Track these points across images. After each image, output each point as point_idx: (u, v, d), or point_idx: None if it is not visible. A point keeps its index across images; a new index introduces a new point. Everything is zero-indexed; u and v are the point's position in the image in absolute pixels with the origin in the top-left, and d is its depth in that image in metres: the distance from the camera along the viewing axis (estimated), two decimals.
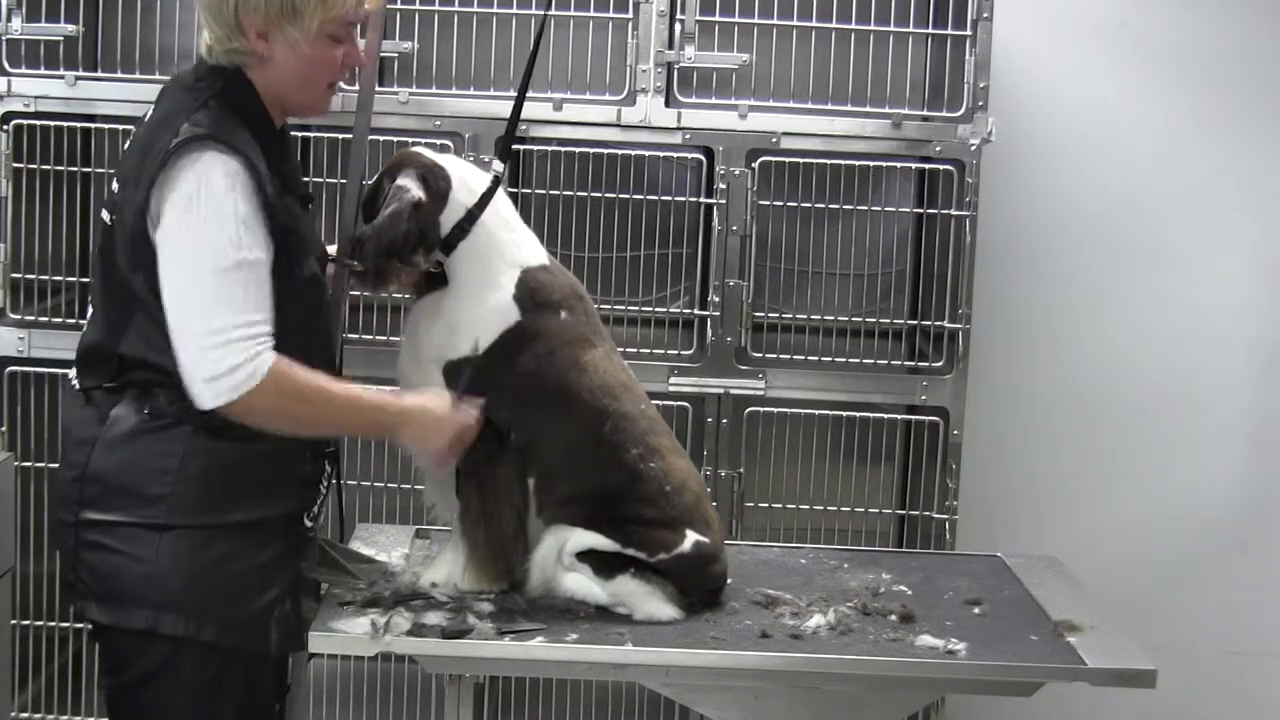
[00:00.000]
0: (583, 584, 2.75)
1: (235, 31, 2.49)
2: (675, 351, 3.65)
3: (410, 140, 3.38)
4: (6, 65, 3.53)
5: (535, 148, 3.62)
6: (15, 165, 3.53)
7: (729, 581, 2.87)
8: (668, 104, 3.57)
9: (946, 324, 3.64)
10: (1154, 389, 4.19)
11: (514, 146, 3.01)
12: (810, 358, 3.65)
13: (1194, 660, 4.18)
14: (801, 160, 3.65)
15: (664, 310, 3.88)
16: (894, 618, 2.79)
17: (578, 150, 3.60)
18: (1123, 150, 4.14)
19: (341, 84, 2.66)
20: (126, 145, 2.59)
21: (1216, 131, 4.14)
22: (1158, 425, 4.20)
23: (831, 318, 3.73)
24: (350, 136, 2.85)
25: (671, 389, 3.60)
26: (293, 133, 3.05)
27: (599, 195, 3.63)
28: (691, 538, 2.76)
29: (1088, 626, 2.78)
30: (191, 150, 2.39)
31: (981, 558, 3.24)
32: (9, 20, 3.49)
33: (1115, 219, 4.16)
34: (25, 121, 3.53)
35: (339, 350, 2.81)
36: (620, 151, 3.59)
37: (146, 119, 2.54)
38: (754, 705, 2.66)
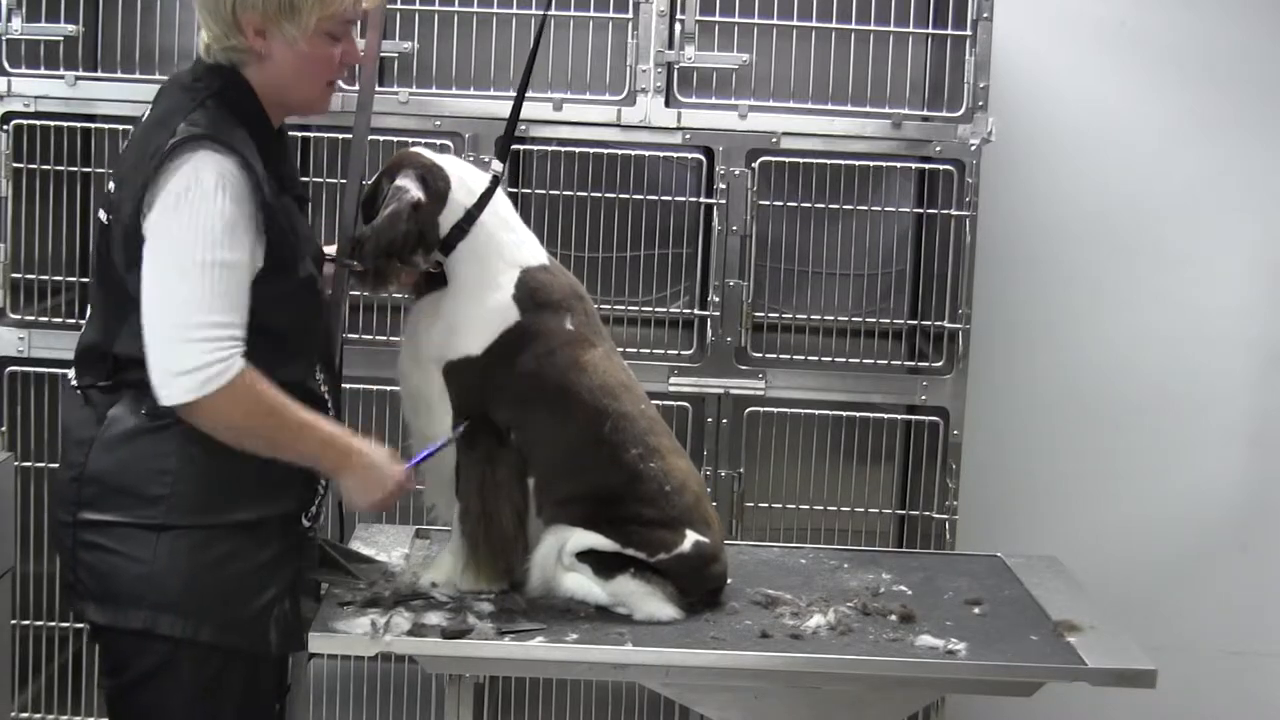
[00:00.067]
0: (583, 584, 2.75)
1: (233, 29, 2.49)
2: (675, 351, 3.65)
3: (410, 140, 3.38)
4: (6, 65, 3.53)
5: (535, 148, 3.62)
6: (15, 165, 3.53)
7: (729, 581, 2.87)
8: (668, 104, 3.58)
9: (946, 324, 3.64)
10: (1154, 389, 4.19)
11: (514, 146, 3.02)
12: (810, 358, 3.65)
13: (1194, 660, 4.18)
14: (801, 160, 3.65)
15: (664, 310, 3.88)
16: (894, 618, 2.79)
17: (578, 150, 3.60)
18: (1123, 150, 4.14)
19: (341, 84, 2.66)
20: (124, 145, 2.59)
21: (1216, 131, 4.14)
22: (1158, 425, 4.20)
23: (831, 318, 3.73)
24: (350, 136, 2.86)
25: (671, 389, 3.60)
26: (292, 133, 3.06)
27: (599, 195, 3.63)
28: (691, 538, 2.76)
29: (1088, 626, 2.78)
30: (186, 150, 2.39)
31: (981, 558, 3.24)
32: (9, 20, 3.49)
33: (1115, 219, 4.16)
34: (25, 121, 3.53)
35: (339, 350, 2.81)
36: (620, 151, 3.59)
37: (144, 119, 2.54)
38: (754, 705, 2.66)
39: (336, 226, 2.91)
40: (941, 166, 3.63)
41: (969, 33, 3.56)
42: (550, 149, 3.61)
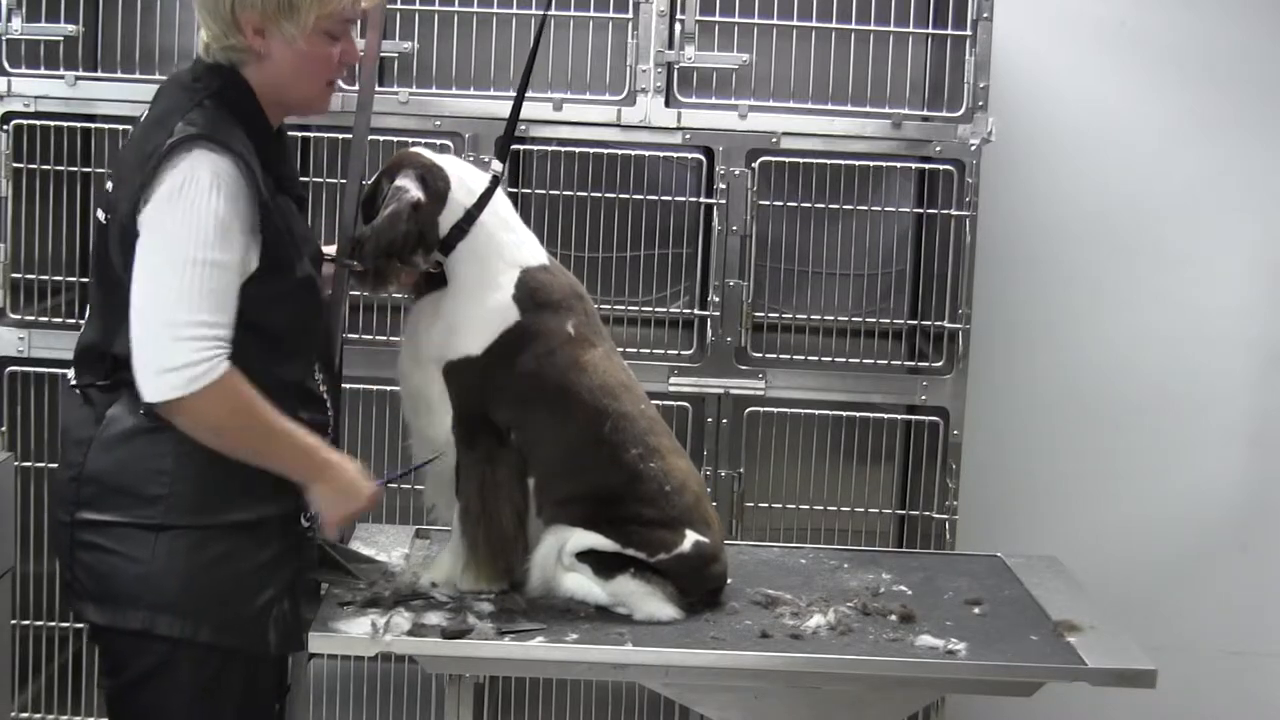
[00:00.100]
0: (583, 584, 2.75)
1: (232, 28, 2.49)
2: (675, 351, 3.65)
3: (410, 140, 3.38)
4: (6, 65, 3.53)
5: (535, 148, 3.62)
6: (15, 165, 3.53)
7: (729, 581, 2.87)
8: (668, 104, 3.57)
9: (946, 324, 3.64)
10: (1154, 389, 4.19)
11: (514, 146, 3.01)
12: (810, 358, 3.65)
13: (1194, 660, 4.18)
14: (801, 160, 3.65)
15: (664, 310, 3.88)
16: (894, 618, 2.79)
17: (578, 150, 3.60)
18: (1123, 150, 4.14)
19: (341, 84, 2.66)
20: (123, 144, 2.59)
21: (1216, 131, 4.14)
22: (1158, 425, 4.20)
23: (831, 318, 3.73)
24: (350, 136, 2.85)
25: (671, 389, 3.60)
26: (292, 133, 3.06)
27: (599, 195, 3.63)
28: (691, 538, 2.76)
29: (1088, 626, 2.78)
30: (183, 149, 2.39)
31: (981, 558, 3.24)
32: (9, 20, 3.49)
33: (1115, 219, 4.16)
34: (25, 121, 3.53)
35: (339, 350, 2.81)
36: (620, 151, 3.59)
37: (143, 118, 2.54)
38: (754, 705, 2.66)
39: (336, 226, 2.91)
40: (941, 166, 3.63)
41: (969, 33, 3.56)
42: (550, 149, 3.61)
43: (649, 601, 2.73)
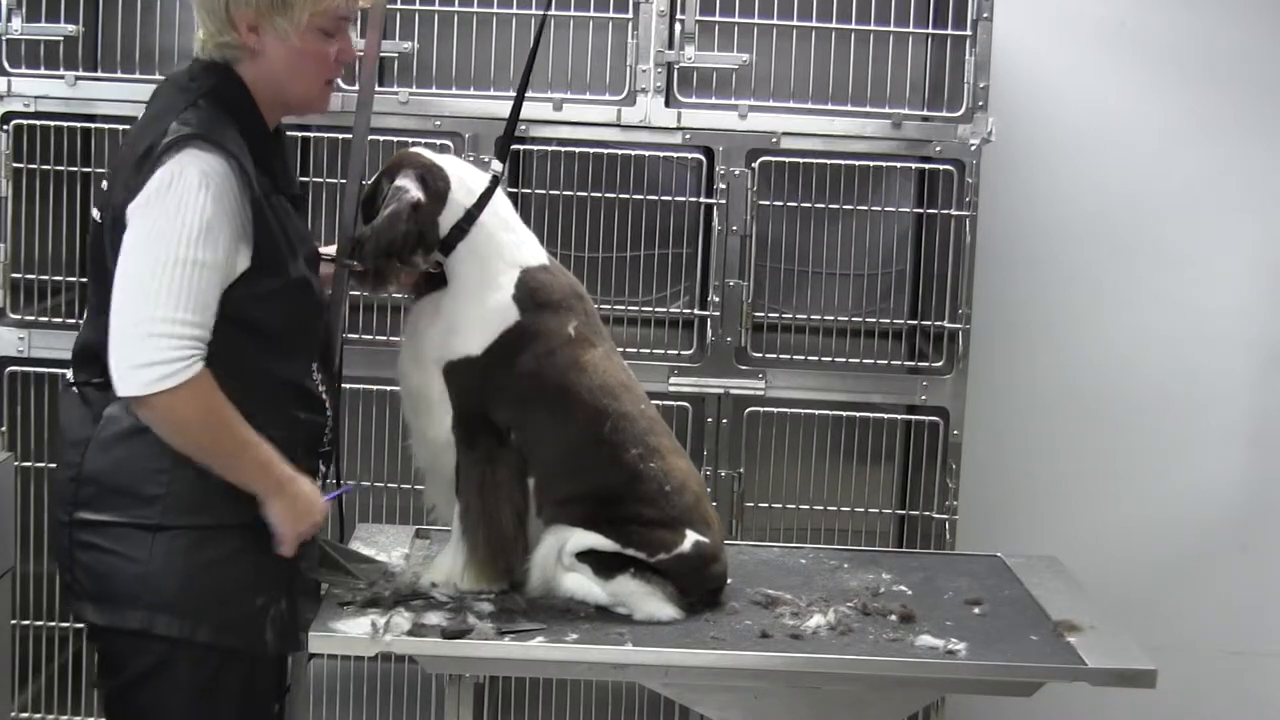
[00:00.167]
0: (583, 584, 2.75)
1: (226, 25, 2.49)
2: (675, 351, 3.65)
3: (410, 140, 3.38)
4: (6, 65, 3.53)
5: (535, 148, 3.62)
6: (15, 165, 3.53)
7: (729, 581, 2.87)
8: (668, 104, 3.57)
9: (946, 324, 3.64)
10: (1154, 389, 4.19)
11: (514, 146, 3.01)
12: (810, 358, 3.65)
13: (1194, 660, 4.18)
14: (801, 160, 3.65)
15: (664, 310, 3.88)
16: (894, 618, 2.79)
17: (578, 150, 3.60)
18: (1123, 150, 4.14)
19: (341, 84, 2.65)
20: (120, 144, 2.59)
21: (1216, 131, 4.14)
22: (1158, 425, 4.20)
23: (831, 318, 3.73)
24: (350, 136, 2.85)
25: (671, 389, 3.60)
26: (292, 133, 3.06)
27: (599, 195, 3.63)
28: (691, 538, 2.76)
29: (1088, 626, 2.78)
30: (175, 149, 2.39)
31: (981, 558, 3.24)
32: (9, 20, 3.49)
33: (1115, 219, 4.16)
34: (25, 121, 3.53)
35: (339, 350, 2.81)
36: (620, 151, 3.59)
37: (140, 118, 2.54)
38: (754, 705, 2.66)
39: (336, 226, 2.90)
40: (941, 166, 3.63)
41: (969, 33, 3.56)
42: (550, 149, 3.61)
43: (649, 601, 2.73)
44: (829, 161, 3.64)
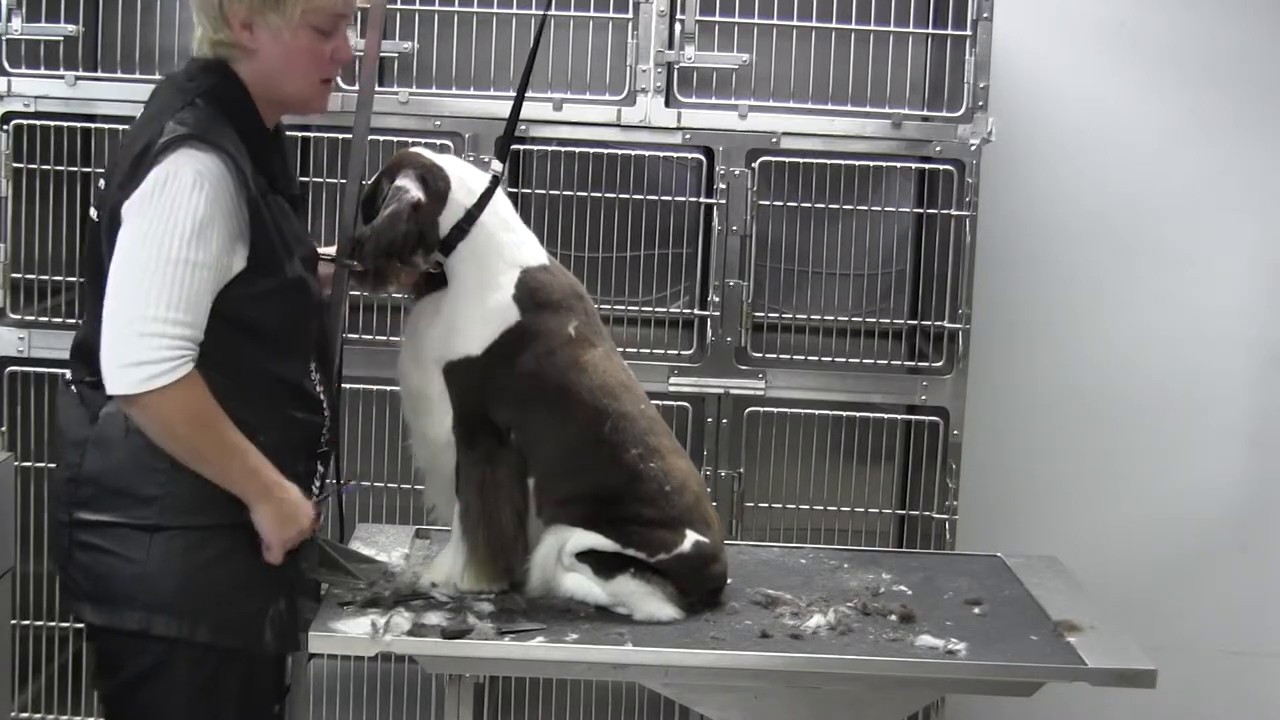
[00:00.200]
0: (583, 584, 2.75)
1: (221, 22, 2.49)
2: (675, 351, 3.65)
3: (410, 140, 3.38)
4: (6, 65, 3.53)
5: (535, 148, 3.62)
6: (15, 165, 3.53)
7: (729, 581, 2.87)
8: (668, 104, 3.57)
9: (946, 324, 3.64)
10: (1154, 389, 4.19)
11: (514, 146, 3.01)
12: (810, 358, 3.65)
13: (1194, 660, 4.18)
14: (801, 160, 3.65)
15: (664, 310, 3.88)
16: (894, 618, 2.79)
17: (578, 150, 3.60)
18: (1123, 150, 4.14)
19: (341, 84, 2.65)
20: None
21: (1216, 131, 4.14)
22: (1158, 425, 4.20)
23: (831, 318, 3.73)
24: (350, 136, 2.85)
25: (671, 389, 3.60)
26: (292, 133, 3.05)
27: (599, 195, 3.63)
28: (691, 538, 2.76)
29: (1088, 626, 2.78)
30: (171, 148, 2.39)
31: (981, 558, 3.24)
32: (9, 20, 3.49)
33: (1115, 219, 4.16)
34: (25, 121, 3.53)
35: (339, 351, 2.81)
36: (620, 151, 3.59)
37: (138, 117, 2.54)
38: (754, 705, 2.66)
39: (336, 226, 2.90)
40: (941, 166, 3.63)
41: (969, 33, 3.56)
42: (550, 149, 3.61)
43: (649, 601, 2.73)
44: (829, 161, 3.64)
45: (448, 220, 2.72)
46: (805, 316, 3.76)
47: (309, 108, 2.63)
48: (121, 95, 3.53)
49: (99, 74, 3.64)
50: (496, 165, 2.81)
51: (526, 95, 2.88)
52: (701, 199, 3.69)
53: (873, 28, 3.63)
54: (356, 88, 2.85)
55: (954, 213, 3.62)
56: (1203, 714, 4.25)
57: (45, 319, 3.57)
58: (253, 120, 2.53)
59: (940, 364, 3.67)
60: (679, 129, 3.58)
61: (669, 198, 3.74)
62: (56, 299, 3.64)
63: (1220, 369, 4.20)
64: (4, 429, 3.58)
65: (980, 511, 3.98)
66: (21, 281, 3.61)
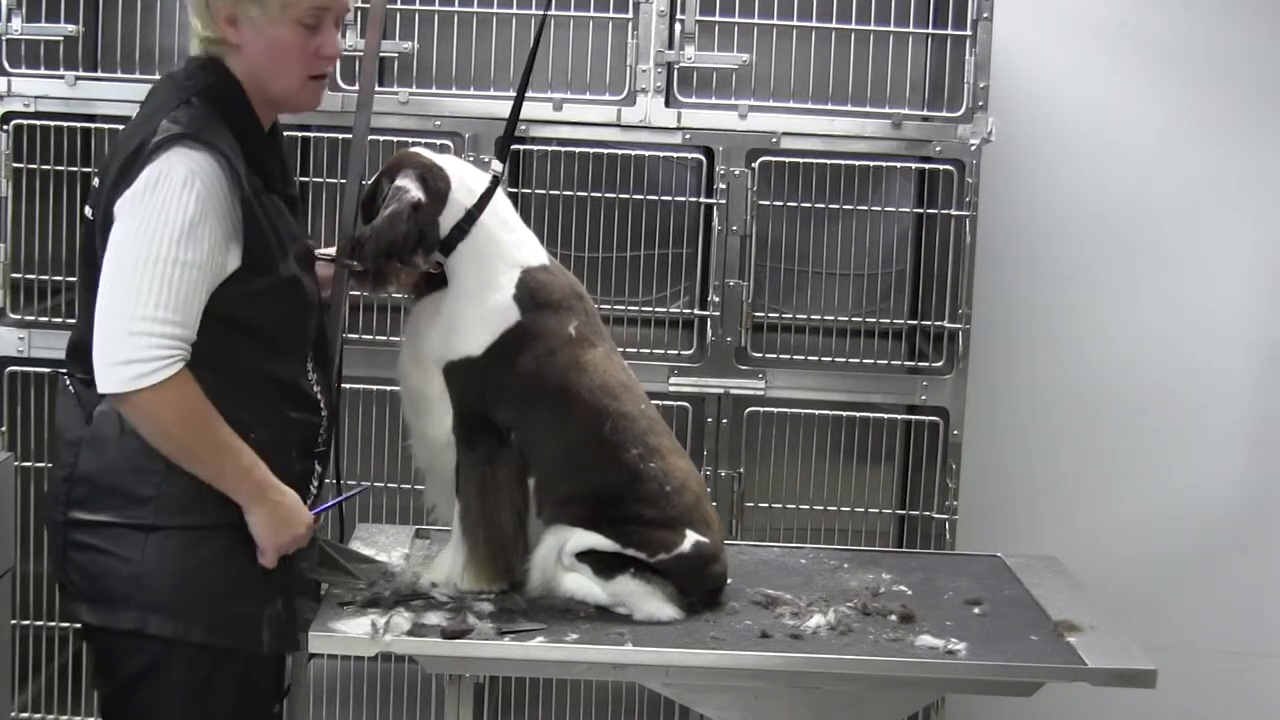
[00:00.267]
0: (583, 584, 2.75)
1: (208, 19, 2.49)
2: (675, 351, 3.65)
3: (410, 140, 3.38)
4: (6, 65, 3.53)
5: (535, 148, 3.62)
6: (15, 165, 3.53)
7: (729, 581, 2.87)
8: (668, 104, 3.57)
9: (946, 324, 3.64)
10: (1154, 389, 4.19)
11: (514, 146, 3.01)
12: (810, 358, 3.65)
13: (1194, 660, 4.18)
14: (801, 160, 3.65)
15: (664, 310, 3.88)
16: (894, 618, 2.79)
17: (578, 150, 3.60)
18: (1123, 150, 4.14)
19: (341, 84, 2.65)
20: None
21: (1216, 131, 4.14)
22: (1158, 425, 4.20)
23: (831, 318, 3.73)
24: (350, 136, 2.85)
25: (671, 389, 3.60)
26: (292, 133, 3.05)
27: (599, 195, 3.63)
28: (691, 538, 2.76)
29: (1088, 626, 2.78)
30: (165, 147, 2.39)
31: (981, 558, 3.24)
32: (9, 20, 3.49)
33: (1115, 219, 4.16)
34: (25, 121, 3.53)
35: (339, 351, 2.81)
36: (620, 151, 3.59)
37: (135, 115, 2.54)
38: (754, 705, 2.66)
39: (336, 226, 2.90)
40: (941, 166, 3.63)
41: (969, 33, 3.56)
42: (550, 149, 3.61)
43: (649, 601, 2.73)
44: (829, 161, 3.64)
45: (448, 220, 2.72)
46: (805, 316, 3.76)
47: (299, 105, 2.61)
48: (121, 95, 3.52)
49: (99, 74, 3.64)
50: (496, 165, 2.81)
51: (526, 95, 2.88)
52: (701, 199, 3.69)
53: (873, 28, 3.63)
54: (356, 88, 2.85)
55: (954, 213, 3.62)
56: (1203, 714, 4.25)
57: (45, 319, 3.57)
58: (248, 119, 2.52)
59: (940, 364, 3.67)
60: (679, 129, 3.58)
61: (669, 198, 3.74)
62: (56, 299, 3.64)
63: (1220, 369, 4.20)
64: (4, 429, 3.58)
65: (980, 511, 3.98)
66: (21, 281, 3.61)
